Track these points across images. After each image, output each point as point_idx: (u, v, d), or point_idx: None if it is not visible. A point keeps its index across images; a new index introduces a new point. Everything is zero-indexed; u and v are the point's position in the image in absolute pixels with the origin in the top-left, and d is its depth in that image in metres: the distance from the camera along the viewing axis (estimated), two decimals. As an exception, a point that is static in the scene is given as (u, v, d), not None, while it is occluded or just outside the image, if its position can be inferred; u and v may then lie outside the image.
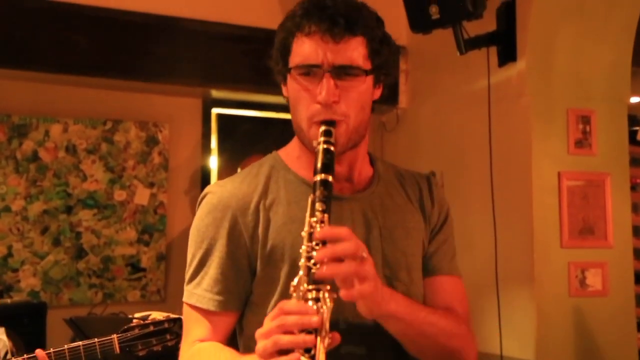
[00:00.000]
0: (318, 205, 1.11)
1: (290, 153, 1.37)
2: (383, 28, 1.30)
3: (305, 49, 1.23)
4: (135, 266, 3.55)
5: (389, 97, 3.72)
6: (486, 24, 2.83)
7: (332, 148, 1.18)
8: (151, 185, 3.60)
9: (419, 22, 2.71)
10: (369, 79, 1.26)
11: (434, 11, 2.64)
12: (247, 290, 1.29)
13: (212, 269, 1.28)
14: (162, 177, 3.62)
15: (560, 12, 2.85)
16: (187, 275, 1.31)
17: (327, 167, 1.15)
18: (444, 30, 2.74)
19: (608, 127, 2.90)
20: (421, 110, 3.67)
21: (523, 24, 2.84)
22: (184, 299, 1.30)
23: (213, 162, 3.78)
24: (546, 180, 2.80)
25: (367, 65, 1.25)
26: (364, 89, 1.25)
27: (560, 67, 2.86)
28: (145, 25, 3.31)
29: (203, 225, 1.30)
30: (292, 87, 1.27)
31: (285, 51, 1.27)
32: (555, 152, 2.82)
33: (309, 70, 1.23)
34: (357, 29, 1.23)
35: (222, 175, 3.73)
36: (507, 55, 2.89)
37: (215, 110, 3.81)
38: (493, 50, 2.93)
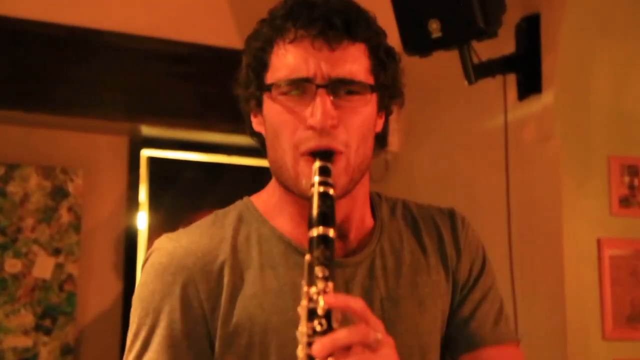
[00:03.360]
0: (318, 270, 1.10)
1: (266, 200, 1.36)
2: (386, 39, 1.32)
3: (291, 59, 1.23)
4: (31, 362, 3.47)
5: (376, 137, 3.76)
6: (502, 44, 2.86)
7: (331, 191, 1.18)
8: (56, 252, 3.53)
9: (415, 41, 2.73)
10: (373, 100, 1.28)
11: (435, 28, 2.66)
12: None
13: (160, 354, 1.25)
14: (72, 242, 3.55)
15: (598, 30, 2.88)
16: None
17: (327, 218, 1.15)
18: (448, 53, 2.75)
19: (662, 180, 2.94)
20: (417, 156, 3.68)
21: (550, 45, 2.86)
22: None
23: (142, 221, 3.74)
24: (582, 250, 2.79)
25: (370, 81, 1.26)
26: (368, 113, 1.26)
27: (600, 102, 2.89)
28: (54, 40, 3.31)
29: (148, 294, 1.28)
30: (272, 111, 1.27)
31: (261, 66, 1.27)
32: (594, 212, 2.82)
33: (297, 87, 1.23)
34: (358, 34, 1.24)
35: (154, 238, 3.64)
36: (530, 85, 2.91)
37: (145, 152, 3.78)
38: (511, 78, 2.95)
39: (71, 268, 3.53)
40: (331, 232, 1.14)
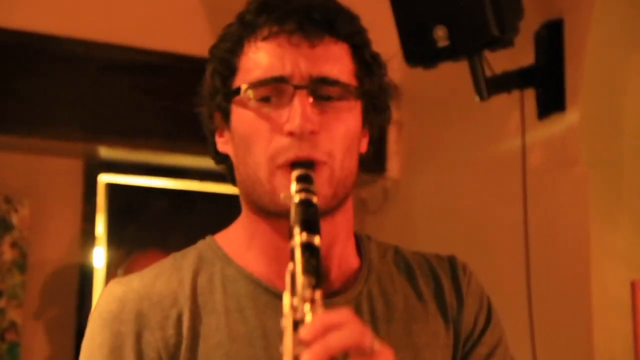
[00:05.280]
0: (303, 279, 1.11)
1: (233, 238, 1.36)
2: (370, 41, 1.34)
3: (264, 57, 1.26)
4: None
5: (372, 162, 3.73)
6: (520, 55, 2.86)
7: (313, 199, 1.19)
8: (-3, 295, 3.52)
9: (419, 51, 2.77)
10: (358, 108, 1.29)
11: (441, 35, 2.68)
12: None
13: None
14: (16, 283, 3.52)
15: (631, 39, 2.87)
16: None
17: (310, 225, 1.16)
18: (456, 64, 2.78)
19: None
20: (420, 183, 3.69)
21: (575, 56, 2.87)
22: None
23: (99, 258, 3.71)
24: (613, 294, 2.78)
25: (354, 81, 1.29)
26: (353, 122, 1.28)
27: (632, 121, 2.88)
28: (-1, 47, 3.31)
29: (95, 347, 1.28)
30: (242, 119, 1.27)
31: (229, 71, 1.28)
32: (627, 250, 2.81)
33: (271, 88, 1.25)
34: (341, 30, 1.27)
35: (113, 278, 3.61)
36: (552, 101, 2.92)
37: (104, 178, 3.78)
38: (530, 94, 2.96)
39: (14, 314, 3.50)
40: (316, 240, 1.15)
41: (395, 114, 3.79)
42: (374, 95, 1.32)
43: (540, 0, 2.95)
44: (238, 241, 1.36)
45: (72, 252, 3.67)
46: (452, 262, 1.43)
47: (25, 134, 3.40)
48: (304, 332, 1.06)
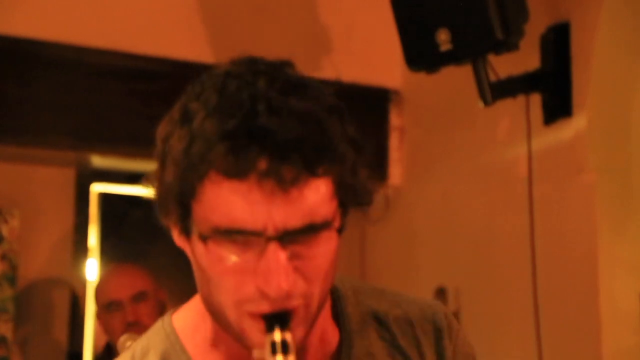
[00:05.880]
0: None
1: (194, 331, 1.28)
2: (352, 128, 1.19)
3: (230, 203, 1.11)
4: None
5: (374, 169, 3.72)
6: (525, 59, 2.87)
7: None
8: (-14, 310, 3.50)
9: (421, 55, 2.77)
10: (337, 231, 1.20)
11: (444, 39, 2.68)
12: None
13: None
14: (7, 297, 3.50)
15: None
16: None
17: None
18: (459, 69, 2.78)
19: None
20: (423, 191, 3.69)
21: (582, 60, 2.87)
22: None
23: (91, 271, 3.69)
24: (622, 305, 2.77)
25: (333, 207, 1.16)
26: (331, 245, 1.17)
27: None
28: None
29: None
30: (204, 257, 1.16)
31: (187, 192, 1.14)
32: (636, 259, 2.80)
33: (239, 237, 1.13)
34: (321, 164, 1.12)
35: None
36: (558, 107, 2.93)
37: (96, 188, 3.78)
38: (536, 99, 2.96)
39: (4, 329, 3.48)
40: None
41: (397, 120, 3.83)
42: (356, 193, 1.19)
43: (546, 2, 2.96)
44: (200, 336, 1.28)
45: (63, 264, 3.66)
46: (436, 325, 1.35)
47: (15, 142, 3.39)
48: None
